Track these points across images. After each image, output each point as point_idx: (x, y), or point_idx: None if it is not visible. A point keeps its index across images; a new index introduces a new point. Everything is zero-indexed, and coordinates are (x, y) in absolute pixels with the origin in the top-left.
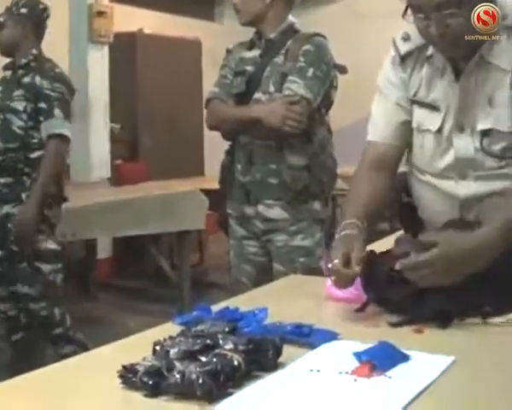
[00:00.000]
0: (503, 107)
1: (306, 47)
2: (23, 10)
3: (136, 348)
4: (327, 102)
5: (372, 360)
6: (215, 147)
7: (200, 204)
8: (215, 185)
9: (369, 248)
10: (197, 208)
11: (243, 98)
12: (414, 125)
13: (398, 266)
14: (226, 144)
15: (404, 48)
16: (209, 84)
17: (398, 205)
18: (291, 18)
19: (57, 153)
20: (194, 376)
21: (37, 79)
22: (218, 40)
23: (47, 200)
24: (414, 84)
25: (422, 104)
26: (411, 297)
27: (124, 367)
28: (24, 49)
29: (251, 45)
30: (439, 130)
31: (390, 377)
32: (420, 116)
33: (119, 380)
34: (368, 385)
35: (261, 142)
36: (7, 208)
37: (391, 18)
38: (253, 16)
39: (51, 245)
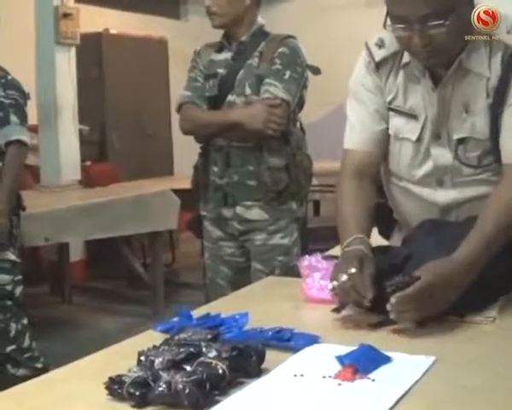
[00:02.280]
0: (479, 115)
1: (281, 49)
2: None
3: (120, 357)
4: (300, 103)
5: (354, 364)
6: (184, 146)
7: (172, 204)
8: (185, 185)
9: None
10: (169, 209)
11: (216, 101)
12: (391, 132)
13: (388, 307)
14: (196, 144)
15: (379, 55)
16: (176, 83)
17: None
18: (260, 20)
19: (17, 159)
20: (180, 386)
21: None
22: (184, 38)
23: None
24: (390, 91)
25: (400, 113)
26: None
27: (110, 379)
28: None
29: (220, 48)
30: (419, 139)
31: (373, 380)
32: (397, 124)
33: (105, 392)
34: (352, 389)
35: (238, 144)
36: None
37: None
38: (231, 19)
39: (9, 256)
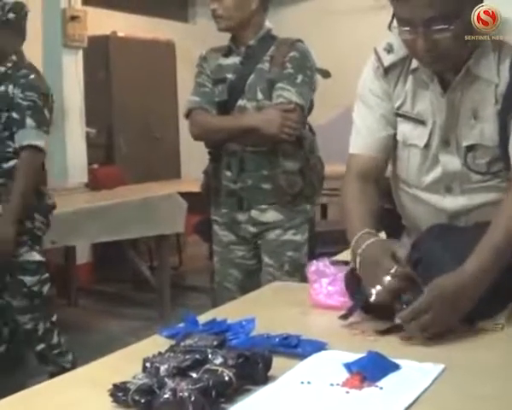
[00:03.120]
0: (487, 121)
1: (292, 54)
2: (10, 16)
3: (125, 362)
4: (309, 106)
5: (362, 371)
6: (191, 149)
7: (179, 208)
8: (192, 188)
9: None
10: (176, 212)
11: (225, 106)
12: (399, 138)
13: (397, 320)
14: (203, 147)
15: (388, 60)
16: (184, 85)
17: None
18: (267, 24)
19: (29, 165)
20: (186, 393)
21: (10, 88)
22: (191, 41)
23: (26, 212)
24: (398, 97)
25: (408, 118)
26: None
27: (114, 386)
28: (5, 57)
29: (228, 52)
30: (427, 146)
31: (381, 388)
32: (405, 130)
33: (110, 399)
34: (360, 397)
35: (253, 149)
36: None
37: (361, 14)
38: (238, 23)
39: (34, 257)
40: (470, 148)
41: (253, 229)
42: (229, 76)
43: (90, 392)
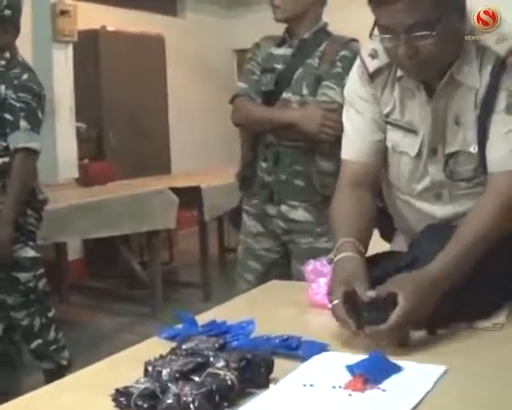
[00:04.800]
0: (469, 127)
1: (344, 52)
2: (7, 12)
3: (126, 366)
4: None
5: (365, 373)
6: (181, 144)
7: (171, 203)
8: (183, 183)
9: None
10: (167, 208)
11: (271, 96)
12: (388, 144)
13: (369, 338)
14: (193, 143)
15: (373, 65)
16: (173, 80)
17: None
18: (324, 19)
19: (24, 167)
20: (189, 398)
21: (2, 88)
22: (181, 35)
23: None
24: (386, 103)
25: (398, 127)
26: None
27: (117, 390)
28: (1, 54)
29: (281, 42)
30: (418, 155)
31: (384, 390)
32: (395, 138)
33: (112, 403)
34: (363, 399)
35: (289, 143)
36: None
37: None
38: (294, 14)
39: (28, 253)
40: (453, 155)
41: (282, 224)
42: (279, 67)
43: (91, 396)
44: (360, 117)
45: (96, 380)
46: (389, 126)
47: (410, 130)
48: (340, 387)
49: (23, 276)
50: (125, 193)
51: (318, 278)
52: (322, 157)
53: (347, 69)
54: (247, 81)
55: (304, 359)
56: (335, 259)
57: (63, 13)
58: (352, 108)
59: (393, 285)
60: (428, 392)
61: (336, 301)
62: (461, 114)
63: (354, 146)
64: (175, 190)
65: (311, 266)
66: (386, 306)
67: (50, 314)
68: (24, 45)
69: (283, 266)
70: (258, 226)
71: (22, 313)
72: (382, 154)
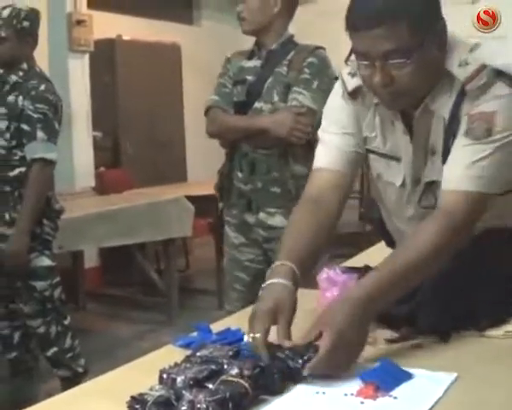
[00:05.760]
0: (440, 156)
1: (310, 59)
2: (25, 24)
3: (141, 373)
4: None
5: (376, 381)
6: (198, 152)
7: (187, 211)
8: (199, 191)
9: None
10: (184, 216)
11: (243, 107)
12: (373, 173)
13: (305, 373)
14: (208, 150)
15: (352, 84)
16: (189, 88)
17: (373, 221)
18: (290, 30)
19: (40, 178)
20: (203, 405)
21: (20, 99)
22: (197, 43)
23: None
24: (368, 127)
25: (380, 155)
26: (406, 313)
27: (132, 398)
28: (17, 65)
29: (251, 55)
30: (403, 184)
31: (395, 398)
32: (379, 168)
33: None
34: (375, 407)
35: (264, 151)
36: None
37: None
38: (260, 26)
39: (44, 262)
40: (431, 183)
41: (262, 233)
42: (249, 78)
43: (107, 404)
44: (337, 129)
45: (111, 387)
46: (372, 155)
47: (392, 157)
48: (351, 394)
49: (39, 284)
50: (141, 201)
51: (332, 287)
52: (295, 161)
53: (315, 75)
54: (219, 94)
55: None
56: (265, 283)
57: (79, 23)
58: (329, 122)
59: (320, 324)
60: (439, 399)
61: (257, 335)
62: (434, 143)
63: (327, 155)
64: (191, 198)
65: (324, 274)
66: (306, 351)
67: (66, 322)
68: (40, 55)
69: None
70: (240, 237)
71: (38, 321)
72: (357, 165)
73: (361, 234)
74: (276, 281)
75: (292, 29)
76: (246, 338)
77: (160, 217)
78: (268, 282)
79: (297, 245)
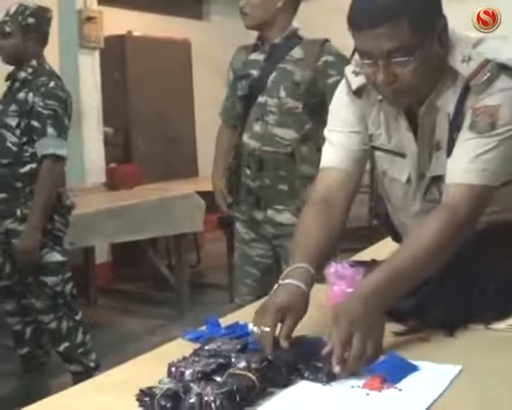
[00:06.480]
0: (444, 151)
1: (326, 58)
2: (30, 20)
3: (150, 366)
4: None
5: (382, 373)
6: (208, 147)
7: (198, 207)
8: (210, 187)
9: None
10: (195, 211)
11: (247, 101)
12: (379, 169)
13: (343, 376)
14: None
15: (356, 82)
16: (199, 83)
17: (380, 218)
18: (295, 23)
19: (50, 175)
20: (211, 398)
21: (30, 96)
22: (207, 38)
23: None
24: (374, 123)
25: (386, 151)
26: (414, 306)
27: (141, 391)
28: (25, 62)
29: (254, 49)
30: (408, 180)
31: (400, 390)
32: (385, 165)
33: (136, 403)
34: (380, 399)
35: (271, 148)
36: (6, 224)
37: None
38: (262, 21)
39: (55, 257)
40: (435, 178)
41: (271, 230)
42: (253, 72)
43: (117, 397)
44: (343, 128)
45: (121, 381)
46: (377, 152)
47: (397, 153)
48: (358, 386)
49: (50, 280)
50: (152, 197)
51: (340, 280)
52: (302, 161)
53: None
54: (224, 107)
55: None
56: (281, 282)
57: (89, 19)
58: (335, 121)
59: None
60: (444, 391)
61: (267, 329)
62: (439, 138)
63: (334, 154)
64: (202, 193)
65: (332, 268)
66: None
67: (77, 317)
68: (51, 52)
69: (278, 271)
70: (250, 233)
71: (50, 316)
72: (364, 162)
73: (371, 228)
74: (292, 282)
75: (304, 24)
76: (250, 326)
77: (171, 212)
78: (283, 281)
79: (310, 247)
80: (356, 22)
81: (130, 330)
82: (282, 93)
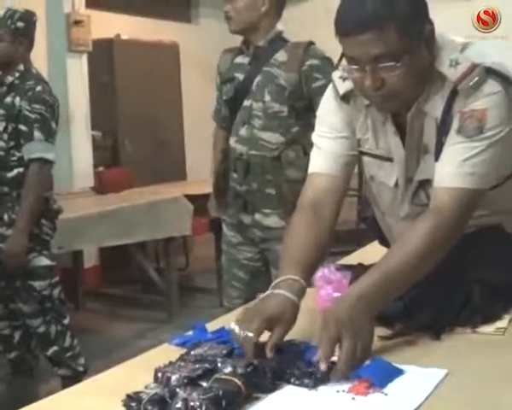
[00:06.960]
0: (431, 154)
1: (311, 62)
2: (20, 24)
3: (137, 372)
4: None
5: (368, 378)
6: (197, 151)
7: (186, 210)
8: (198, 190)
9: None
10: (183, 215)
11: (234, 104)
12: (366, 174)
13: (334, 380)
14: (208, 150)
15: (343, 87)
16: (188, 87)
17: (367, 222)
18: (279, 26)
19: (37, 179)
20: (197, 403)
21: (17, 100)
22: (195, 42)
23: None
24: (361, 128)
25: (373, 156)
26: (401, 310)
27: (128, 396)
28: (13, 66)
29: (239, 52)
30: (396, 184)
31: (386, 394)
32: (372, 169)
33: (123, 409)
34: (365, 403)
35: (258, 153)
36: None
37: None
38: (247, 25)
39: (43, 262)
40: (423, 182)
41: (259, 233)
42: (238, 75)
43: (103, 401)
44: (331, 133)
45: (109, 386)
46: (365, 157)
47: (385, 158)
48: (343, 391)
49: (38, 284)
50: (140, 201)
51: (327, 285)
52: (289, 166)
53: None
54: (215, 108)
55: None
56: (271, 291)
57: (77, 23)
58: (323, 126)
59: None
60: (429, 395)
61: (250, 335)
62: (427, 142)
63: (323, 159)
64: (190, 197)
65: (319, 272)
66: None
67: (66, 321)
68: (39, 56)
69: (266, 274)
70: (237, 236)
71: (38, 320)
72: (352, 167)
73: (360, 231)
74: (284, 293)
75: (293, 26)
76: (232, 325)
77: (160, 216)
78: (274, 291)
79: (301, 257)
80: (343, 28)
81: (119, 334)
82: (267, 97)
